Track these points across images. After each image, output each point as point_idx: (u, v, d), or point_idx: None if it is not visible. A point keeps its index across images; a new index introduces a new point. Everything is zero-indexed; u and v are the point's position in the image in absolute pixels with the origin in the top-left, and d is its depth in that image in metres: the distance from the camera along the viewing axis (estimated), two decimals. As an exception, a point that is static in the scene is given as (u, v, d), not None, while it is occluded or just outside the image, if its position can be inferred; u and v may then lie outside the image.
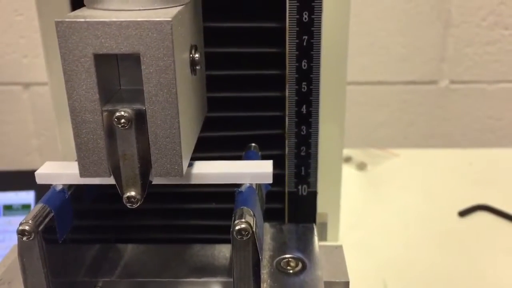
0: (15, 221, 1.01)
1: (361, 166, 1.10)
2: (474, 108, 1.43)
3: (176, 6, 0.39)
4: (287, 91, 0.51)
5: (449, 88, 1.41)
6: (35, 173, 0.45)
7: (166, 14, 0.36)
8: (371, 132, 1.45)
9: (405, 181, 1.05)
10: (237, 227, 0.39)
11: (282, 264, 0.48)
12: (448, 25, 1.35)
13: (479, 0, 1.33)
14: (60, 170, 0.45)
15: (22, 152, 1.48)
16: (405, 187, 1.02)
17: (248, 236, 0.39)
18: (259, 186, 0.46)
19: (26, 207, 1.02)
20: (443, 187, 1.02)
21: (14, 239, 0.99)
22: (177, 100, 0.37)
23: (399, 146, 1.36)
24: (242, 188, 0.44)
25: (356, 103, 1.40)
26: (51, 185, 0.47)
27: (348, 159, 1.12)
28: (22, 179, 1.04)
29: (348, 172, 1.07)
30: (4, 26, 1.36)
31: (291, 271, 0.47)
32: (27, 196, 1.03)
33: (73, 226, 0.47)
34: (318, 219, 0.57)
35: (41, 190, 1.02)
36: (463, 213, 0.93)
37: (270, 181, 0.45)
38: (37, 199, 1.01)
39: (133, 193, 0.40)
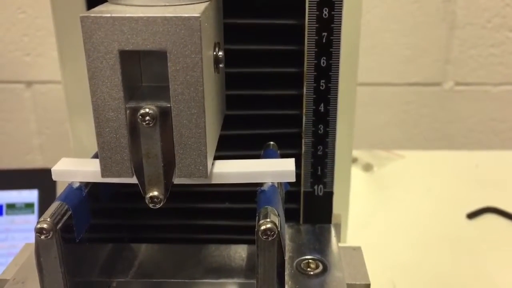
0: (18, 220, 1.01)
1: (367, 167, 1.10)
2: (478, 110, 1.43)
3: (202, 2, 0.38)
4: (304, 89, 0.51)
5: (453, 90, 1.40)
6: (52, 169, 0.44)
7: (194, 10, 0.35)
8: (375, 133, 1.44)
9: (411, 183, 1.04)
10: (262, 227, 0.38)
11: (302, 265, 0.47)
12: (453, 27, 1.34)
13: (484, 2, 1.32)
14: (77, 167, 0.44)
15: (23, 150, 1.48)
16: (412, 189, 1.02)
17: (274, 236, 0.38)
18: (279, 185, 0.46)
19: (29, 206, 1.02)
20: (450, 189, 1.02)
21: (17, 238, 0.99)
22: (204, 99, 0.36)
23: (403, 147, 1.36)
24: (265, 187, 0.43)
25: (360, 104, 1.40)
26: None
27: (354, 160, 1.12)
28: (25, 177, 1.04)
29: (354, 173, 1.06)
30: (7, 24, 1.35)
31: (311, 273, 0.46)
32: (30, 195, 1.02)
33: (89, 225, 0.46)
34: (332, 220, 0.56)
35: (45, 189, 1.02)
36: (471, 215, 0.92)
37: (293, 179, 0.44)
38: (40, 198, 1.01)
39: (156, 193, 0.39)
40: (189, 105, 0.36)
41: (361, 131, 1.41)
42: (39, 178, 1.01)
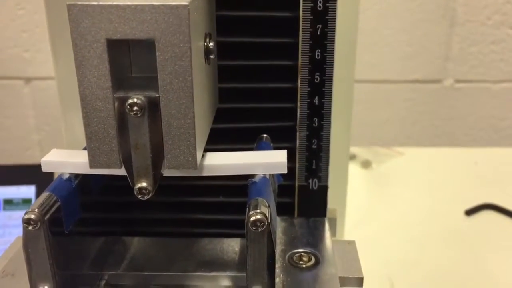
0: (16, 216, 1.01)
1: (366, 164, 1.10)
2: (478, 107, 1.42)
3: (192, -9, 0.38)
4: (299, 82, 0.50)
5: (453, 87, 1.40)
6: (41, 160, 0.43)
7: (183, -2, 0.35)
8: (375, 130, 1.44)
9: (410, 180, 1.04)
10: (252, 218, 0.38)
11: (294, 258, 0.46)
12: (453, 24, 1.34)
13: (485, -1, 1.32)
14: (67, 158, 0.43)
15: (22, 147, 1.47)
16: (411, 185, 1.02)
17: (263, 228, 0.38)
18: (272, 177, 0.45)
19: (26, 201, 1.01)
20: (449, 186, 1.01)
21: (14, 234, 0.99)
22: (193, 89, 0.36)
23: (402, 144, 1.36)
24: (256, 179, 0.43)
25: (360, 101, 1.39)
26: (52, 179, 0.46)
27: (352, 157, 1.11)
28: (23, 173, 1.03)
29: (353, 170, 1.06)
30: (6, 20, 1.35)
31: (304, 266, 0.46)
32: (28, 191, 1.02)
33: (79, 218, 0.46)
34: (327, 214, 0.56)
35: (42, 185, 1.01)
36: (470, 212, 0.92)
37: (285, 171, 0.44)
38: (38, 193, 1.00)
39: (144, 184, 0.38)
40: (177, 95, 0.36)
41: (361, 128, 1.40)
42: (37, 174, 1.01)
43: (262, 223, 0.38)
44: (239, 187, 0.47)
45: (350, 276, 0.46)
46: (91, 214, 0.51)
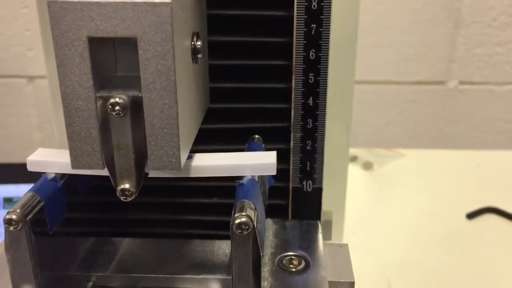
0: (15, 215, 1.00)
1: (367, 166, 1.09)
2: (483, 109, 1.41)
3: (177, -11, 0.37)
4: (293, 82, 0.49)
5: (457, 89, 1.39)
6: (27, 159, 0.43)
7: (167, -4, 0.34)
8: (377, 132, 1.43)
9: (412, 182, 1.03)
10: (237, 221, 0.37)
11: (284, 262, 0.46)
12: (458, 25, 1.33)
13: (490, 0, 1.31)
14: (53, 158, 0.43)
15: (24, 145, 1.47)
16: (412, 187, 1.01)
17: (249, 231, 0.37)
18: (262, 179, 0.44)
19: (26, 200, 1.01)
20: (451, 188, 1.00)
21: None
22: (176, 88, 0.35)
23: (405, 146, 1.34)
24: (243, 180, 0.42)
25: (363, 102, 1.39)
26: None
27: (353, 159, 1.10)
28: (22, 171, 1.02)
29: (353, 171, 1.05)
30: (9, 18, 1.34)
31: (293, 270, 0.45)
32: (28, 189, 1.01)
33: (66, 219, 0.45)
34: (322, 217, 0.55)
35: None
36: (471, 216, 0.91)
37: (274, 172, 0.43)
38: (37, 192, 1.00)
39: (127, 186, 0.38)
40: (160, 94, 0.35)
41: (363, 129, 1.40)
42: (36, 173, 1.01)
43: (247, 226, 0.37)
44: (233, 188, 0.46)
45: (341, 280, 0.45)
46: (78, 215, 0.51)
